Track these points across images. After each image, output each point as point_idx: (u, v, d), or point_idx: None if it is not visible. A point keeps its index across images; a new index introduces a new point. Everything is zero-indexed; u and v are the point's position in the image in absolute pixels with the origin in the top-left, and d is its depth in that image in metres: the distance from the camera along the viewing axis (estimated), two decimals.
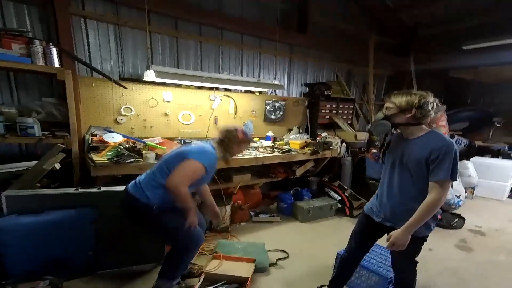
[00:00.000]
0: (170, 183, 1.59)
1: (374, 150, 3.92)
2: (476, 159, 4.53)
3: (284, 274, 2.28)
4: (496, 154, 5.06)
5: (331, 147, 3.74)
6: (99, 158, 2.31)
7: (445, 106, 5.07)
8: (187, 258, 1.86)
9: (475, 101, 6.20)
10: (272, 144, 3.62)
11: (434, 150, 1.34)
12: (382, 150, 1.65)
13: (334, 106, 4.46)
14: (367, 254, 2.03)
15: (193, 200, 1.75)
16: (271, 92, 4.13)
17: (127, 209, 1.78)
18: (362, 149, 4.16)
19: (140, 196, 1.68)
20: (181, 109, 3.32)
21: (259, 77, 4.04)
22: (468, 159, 4.42)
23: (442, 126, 5.24)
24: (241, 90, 3.79)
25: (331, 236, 2.96)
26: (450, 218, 3.30)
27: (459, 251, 2.77)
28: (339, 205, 3.53)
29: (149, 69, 2.69)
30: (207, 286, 1.91)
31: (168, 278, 1.86)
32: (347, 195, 3.53)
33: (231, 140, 1.85)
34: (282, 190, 3.73)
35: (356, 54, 4.90)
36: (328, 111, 4.42)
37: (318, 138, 3.99)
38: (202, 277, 1.98)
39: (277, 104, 3.99)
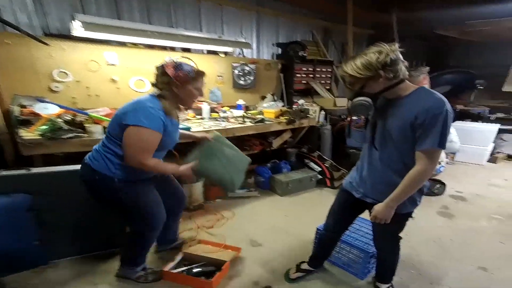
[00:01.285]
0: (130, 163, 1.52)
1: (355, 118, 3.99)
2: (457, 123, 4.80)
3: (262, 252, 2.31)
4: (476, 118, 5.39)
5: (308, 116, 3.73)
6: (29, 134, 2.08)
7: (428, 68, 5.20)
8: (145, 242, 1.82)
9: (458, 63, 6.48)
10: (244, 113, 3.52)
11: (421, 112, 1.22)
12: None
13: (310, 69, 4.41)
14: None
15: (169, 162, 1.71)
16: (239, 54, 3.95)
17: (86, 183, 1.66)
18: (342, 117, 4.21)
19: (98, 168, 1.58)
20: (132, 74, 3.05)
21: (222, 34, 3.82)
22: (454, 121, 4.67)
23: None
24: (202, 51, 3.56)
25: (312, 209, 3.04)
26: (431, 185, 3.51)
27: (441, 218, 2.96)
28: (320, 177, 3.61)
29: (74, 20, 2.40)
30: (184, 266, 2.00)
31: (130, 265, 1.85)
32: (327, 165, 3.60)
33: (165, 83, 1.55)
34: (259, 164, 3.71)
35: (333, 10, 4.79)
36: (304, 75, 4.36)
37: (294, 106, 3.94)
38: (179, 257, 2.07)
39: (246, 68, 3.83)
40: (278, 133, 3.59)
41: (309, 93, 4.43)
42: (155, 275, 1.93)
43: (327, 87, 4.60)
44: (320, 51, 4.78)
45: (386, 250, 1.71)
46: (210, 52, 3.59)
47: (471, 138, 4.58)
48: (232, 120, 3.32)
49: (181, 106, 1.68)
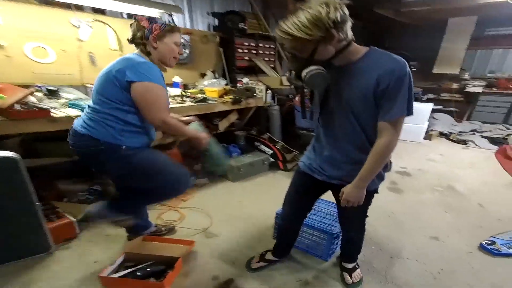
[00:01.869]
0: (154, 122, 1.60)
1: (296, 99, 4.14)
2: None
3: (219, 243, 2.28)
4: None
5: (255, 95, 3.74)
6: None
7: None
8: (156, 197, 1.93)
9: (392, 46, 7.28)
10: (182, 92, 3.35)
11: (383, 76, 1.15)
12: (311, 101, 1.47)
13: (253, 45, 4.41)
14: None
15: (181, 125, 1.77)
16: (168, 22, 3.71)
17: (85, 156, 1.65)
18: (290, 96, 4.34)
19: (100, 136, 1.55)
20: (26, 38, 2.60)
21: None
22: None
23: None
24: (121, 14, 3.24)
25: (267, 193, 3.12)
26: None
27: (392, 193, 3.31)
28: (272, 160, 3.69)
29: None
30: (128, 268, 1.84)
31: (115, 210, 1.85)
32: (278, 148, 3.69)
33: (143, 38, 1.61)
34: (227, 142, 3.70)
35: None
36: (246, 51, 4.35)
37: (239, 85, 3.91)
38: (120, 258, 1.91)
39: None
40: (223, 115, 3.52)
41: (253, 71, 4.43)
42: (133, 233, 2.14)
43: (271, 65, 4.68)
44: (261, 25, 4.81)
45: (355, 229, 1.78)
46: (131, 16, 3.26)
47: (410, 117, 5.20)
48: (169, 99, 3.12)
49: (162, 65, 1.70)
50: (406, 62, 1.16)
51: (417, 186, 3.54)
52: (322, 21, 1.06)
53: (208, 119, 3.48)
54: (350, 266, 1.93)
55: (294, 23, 1.09)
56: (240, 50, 4.26)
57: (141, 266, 1.83)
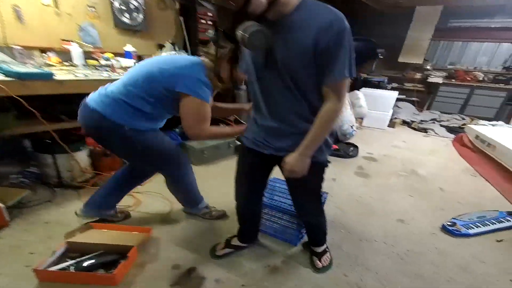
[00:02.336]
0: (188, 132, 1.68)
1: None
2: (364, 90, 5.57)
3: (180, 230, 2.20)
4: (376, 87, 6.36)
5: None
6: None
7: None
8: (185, 182, 2.11)
9: (358, 32, 7.43)
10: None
11: (321, 32, 1.05)
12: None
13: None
14: (274, 193, 2.20)
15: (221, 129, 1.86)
16: None
17: (87, 127, 1.69)
18: None
19: (106, 113, 1.60)
20: None
21: None
22: (358, 89, 5.38)
23: None
24: None
25: (232, 177, 2.97)
26: (346, 148, 4.05)
27: (359, 178, 3.41)
28: (238, 143, 3.59)
29: None
30: (70, 259, 1.69)
31: (191, 205, 2.27)
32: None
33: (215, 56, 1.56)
34: (163, 129, 3.37)
35: None
36: (210, 22, 4.14)
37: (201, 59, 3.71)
38: (61, 248, 1.73)
39: (130, 1, 3.31)
40: None
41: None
42: (219, 213, 2.36)
43: None
44: None
45: (312, 212, 1.72)
46: None
47: (375, 104, 5.42)
48: (120, 70, 2.86)
49: (217, 83, 1.67)
50: (343, 15, 1.08)
51: (383, 171, 3.68)
52: None
53: None
54: (319, 250, 1.93)
55: None
56: (203, 21, 4.03)
57: (87, 256, 1.66)
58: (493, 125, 5.34)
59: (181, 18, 3.94)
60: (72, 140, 2.51)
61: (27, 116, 2.22)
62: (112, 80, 2.44)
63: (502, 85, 6.17)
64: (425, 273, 1.94)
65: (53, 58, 2.80)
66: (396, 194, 3.09)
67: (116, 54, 3.21)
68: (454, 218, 2.59)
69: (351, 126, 4.42)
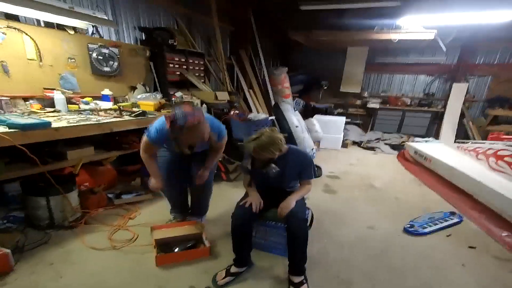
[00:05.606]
0: None
1: (237, 111, 4.42)
2: (317, 116, 6.19)
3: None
4: (324, 112, 7.08)
5: None
6: None
7: (286, 68, 6.36)
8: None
9: (300, 65, 8.22)
10: (117, 105, 3.22)
11: (303, 165, 2.16)
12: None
13: (183, 60, 4.50)
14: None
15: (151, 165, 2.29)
16: (93, 33, 3.56)
17: None
18: (225, 110, 4.52)
19: None
20: None
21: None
22: (312, 117, 5.95)
23: (286, 88, 6.64)
24: (39, 22, 3.02)
25: (214, 204, 3.10)
26: None
27: (327, 194, 3.77)
28: (215, 171, 3.70)
29: None
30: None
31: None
32: (220, 160, 3.79)
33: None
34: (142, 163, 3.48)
35: None
36: (177, 65, 4.41)
37: (173, 99, 3.93)
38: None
39: (106, 51, 3.49)
40: None
41: (185, 85, 4.50)
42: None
43: (202, 80, 4.81)
44: (188, 41, 4.94)
45: (300, 224, 1.98)
46: (49, 25, 3.04)
47: (327, 128, 6.00)
48: (102, 113, 2.98)
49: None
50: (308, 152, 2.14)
51: (346, 186, 4.10)
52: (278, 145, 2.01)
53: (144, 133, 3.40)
54: (297, 280, 1.99)
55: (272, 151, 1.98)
56: (171, 65, 4.30)
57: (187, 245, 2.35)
58: (426, 141, 6.16)
59: (151, 63, 4.16)
60: (64, 180, 2.54)
61: (16, 162, 2.32)
62: (102, 125, 2.61)
63: (426, 108, 7.33)
64: (397, 265, 2.33)
65: (35, 105, 2.84)
66: (361, 205, 3.48)
67: (94, 98, 3.32)
68: (411, 221, 3.01)
69: (312, 149, 4.88)
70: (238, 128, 4.22)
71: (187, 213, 2.82)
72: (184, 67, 4.53)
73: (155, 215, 2.92)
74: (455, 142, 6.12)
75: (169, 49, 4.21)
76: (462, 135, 7.01)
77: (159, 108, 3.50)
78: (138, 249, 2.34)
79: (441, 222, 3.02)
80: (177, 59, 4.38)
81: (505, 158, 3.56)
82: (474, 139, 6.53)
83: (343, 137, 6.49)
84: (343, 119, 6.29)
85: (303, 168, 2.15)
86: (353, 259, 2.37)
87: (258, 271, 2.17)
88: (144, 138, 2.16)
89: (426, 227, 2.90)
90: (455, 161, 4.14)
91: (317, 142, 5.79)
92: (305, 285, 1.98)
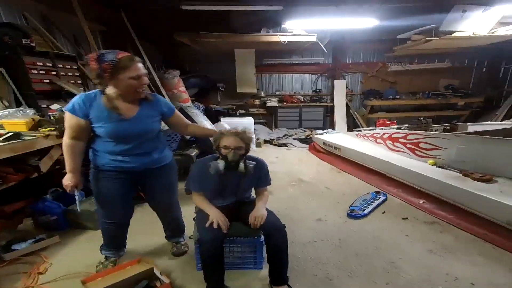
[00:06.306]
0: None
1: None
2: (225, 119, 5.88)
3: None
4: (226, 114, 6.88)
5: None
6: None
7: (178, 71, 5.85)
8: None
9: (197, 68, 7.83)
10: None
11: (260, 172, 2.11)
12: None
13: (49, 65, 3.49)
14: None
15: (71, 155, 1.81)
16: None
17: None
18: None
19: None
20: None
21: None
22: (216, 120, 5.55)
23: (183, 92, 6.09)
24: None
25: (152, 226, 2.60)
26: None
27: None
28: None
29: None
30: None
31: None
32: None
33: (96, 77, 1.74)
34: (28, 199, 2.89)
35: None
36: (42, 71, 3.38)
37: (50, 113, 2.94)
38: None
39: None
40: (41, 152, 2.50)
41: (60, 95, 3.48)
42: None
43: (81, 88, 3.84)
44: (49, 42, 3.90)
45: (280, 230, 1.90)
46: None
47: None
48: None
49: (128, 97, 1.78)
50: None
51: (278, 185, 3.86)
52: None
53: (22, 161, 2.38)
54: None
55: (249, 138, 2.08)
56: (34, 71, 3.25)
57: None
58: (326, 132, 6.51)
59: (1, 69, 3.03)
60: None
61: None
62: None
63: (318, 103, 8.02)
64: (360, 251, 2.39)
65: None
66: (299, 201, 3.35)
67: None
68: (351, 207, 3.08)
69: None
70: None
71: (124, 249, 2.35)
72: (54, 73, 3.51)
73: (75, 261, 2.28)
74: (350, 131, 6.70)
75: (26, 52, 3.18)
76: (351, 124, 7.89)
77: (36, 126, 2.56)
78: None
79: (373, 202, 3.21)
80: (40, 63, 3.34)
81: (400, 140, 4.00)
82: (362, 127, 7.34)
83: (255, 136, 6.32)
84: (251, 119, 6.14)
85: (260, 175, 2.11)
86: (321, 256, 2.34)
87: None
88: (66, 114, 1.76)
89: (364, 209, 3.06)
90: (361, 147, 4.44)
91: None
92: None
